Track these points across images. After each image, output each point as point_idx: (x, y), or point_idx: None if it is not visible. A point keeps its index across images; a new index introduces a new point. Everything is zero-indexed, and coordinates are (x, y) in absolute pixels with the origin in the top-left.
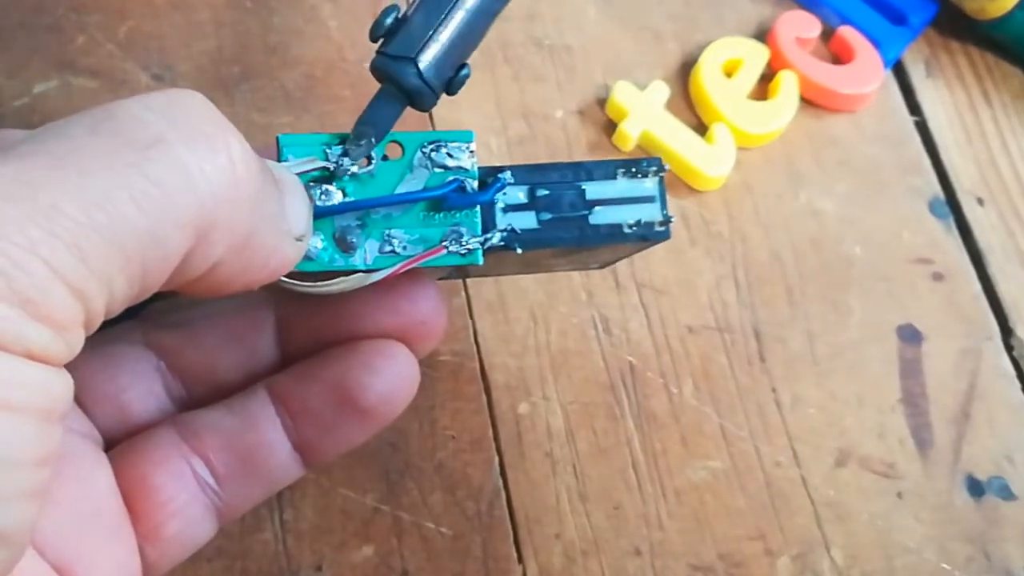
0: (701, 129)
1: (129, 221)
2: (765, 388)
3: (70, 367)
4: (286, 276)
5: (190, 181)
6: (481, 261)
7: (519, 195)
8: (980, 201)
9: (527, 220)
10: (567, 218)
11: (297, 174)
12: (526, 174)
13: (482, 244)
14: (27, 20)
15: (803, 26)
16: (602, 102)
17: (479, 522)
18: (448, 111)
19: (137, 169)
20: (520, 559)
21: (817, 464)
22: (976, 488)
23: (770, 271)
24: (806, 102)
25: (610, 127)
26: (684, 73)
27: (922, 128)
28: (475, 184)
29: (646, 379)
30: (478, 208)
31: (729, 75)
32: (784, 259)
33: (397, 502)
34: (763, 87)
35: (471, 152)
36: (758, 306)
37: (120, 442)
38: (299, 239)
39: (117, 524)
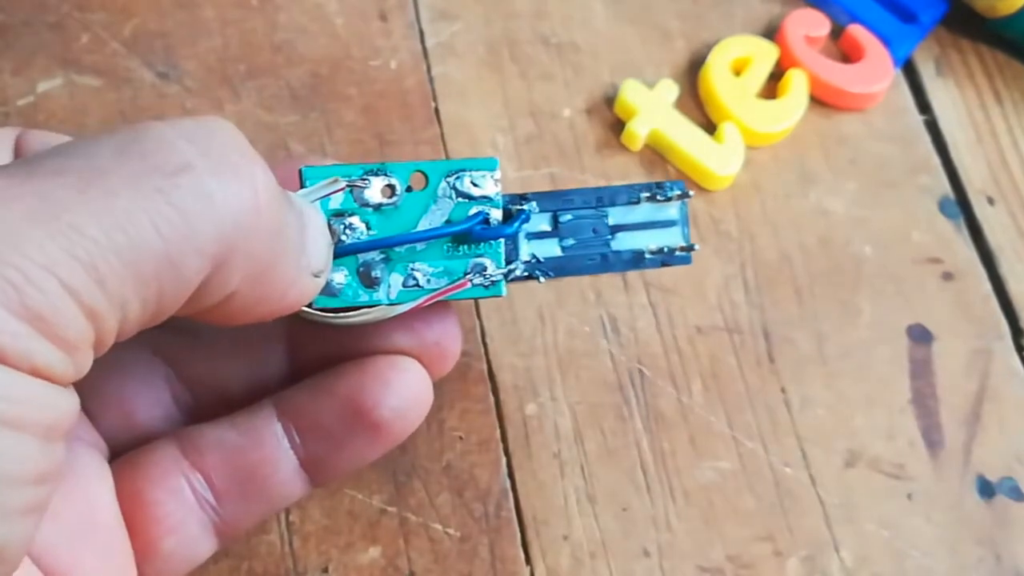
0: (710, 128)
1: (149, 245)
2: (774, 388)
3: None
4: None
5: (214, 209)
6: (504, 292)
7: (542, 223)
8: (991, 200)
9: (550, 248)
10: (590, 245)
11: (319, 198)
12: (550, 201)
13: (506, 276)
14: (31, 18)
15: (812, 24)
16: (610, 101)
17: (486, 523)
18: (455, 110)
19: (162, 195)
20: (528, 560)
21: (826, 465)
22: (986, 489)
23: (779, 271)
24: (815, 101)
25: (618, 126)
26: (693, 72)
27: (932, 127)
28: (499, 215)
29: (654, 379)
30: (502, 240)
31: (738, 74)
32: (793, 259)
33: (404, 503)
34: (772, 86)
35: (496, 180)
36: (767, 306)
37: (126, 450)
38: (317, 275)
39: (114, 538)
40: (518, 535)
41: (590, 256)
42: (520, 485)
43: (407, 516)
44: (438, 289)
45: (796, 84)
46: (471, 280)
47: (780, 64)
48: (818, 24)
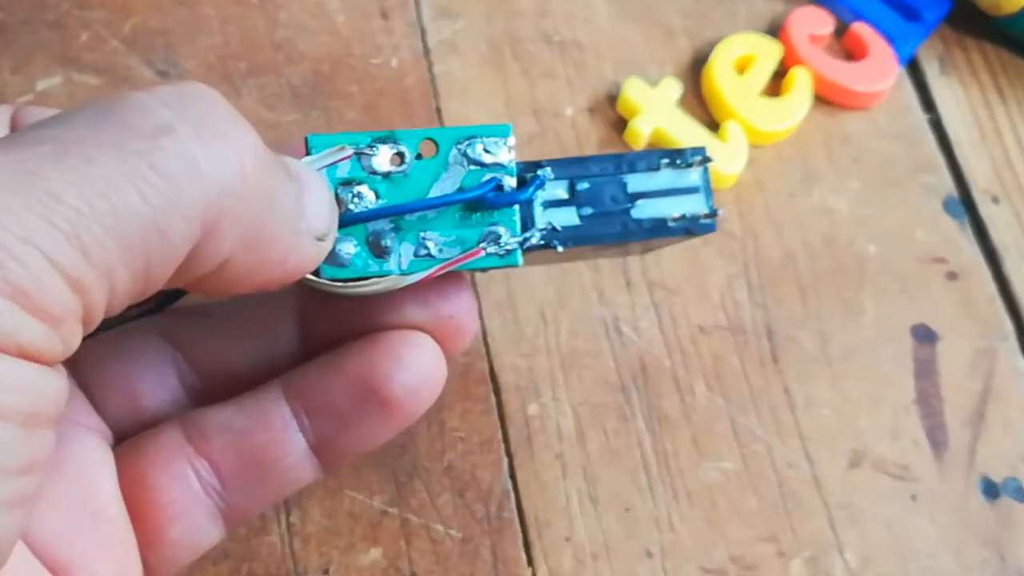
0: (713, 126)
1: (133, 211)
2: (778, 388)
3: (83, 358)
4: (313, 275)
5: (198, 173)
6: (520, 262)
7: (559, 190)
8: (995, 199)
9: (568, 216)
10: (609, 213)
11: (325, 166)
12: (566, 168)
13: (521, 244)
14: (31, 16)
15: (816, 22)
16: (612, 99)
17: (488, 524)
18: (457, 108)
19: (143, 158)
20: (530, 562)
21: (830, 465)
22: (991, 490)
23: (783, 270)
24: (819, 99)
25: (621, 124)
26: (696, 70)
27: (936, 126)
28: (513, 182)
29: (657, 379)
30: (517, 207)
31: (741, 72)
32: (797, 258)
33: (405, 504)
34: (776, 84)
35: (509, 147)
36: (770, 305)
37: (131, 435)
38: (320, 239)
39: (117, 527)
40: (520, 536)
41: (610, 224)
42: (522, 486)
43: (408, 517)
44: (451, 258)
45: (800, 82)
46: (485, 249)
47: (784, 62)
48: (822, 22)
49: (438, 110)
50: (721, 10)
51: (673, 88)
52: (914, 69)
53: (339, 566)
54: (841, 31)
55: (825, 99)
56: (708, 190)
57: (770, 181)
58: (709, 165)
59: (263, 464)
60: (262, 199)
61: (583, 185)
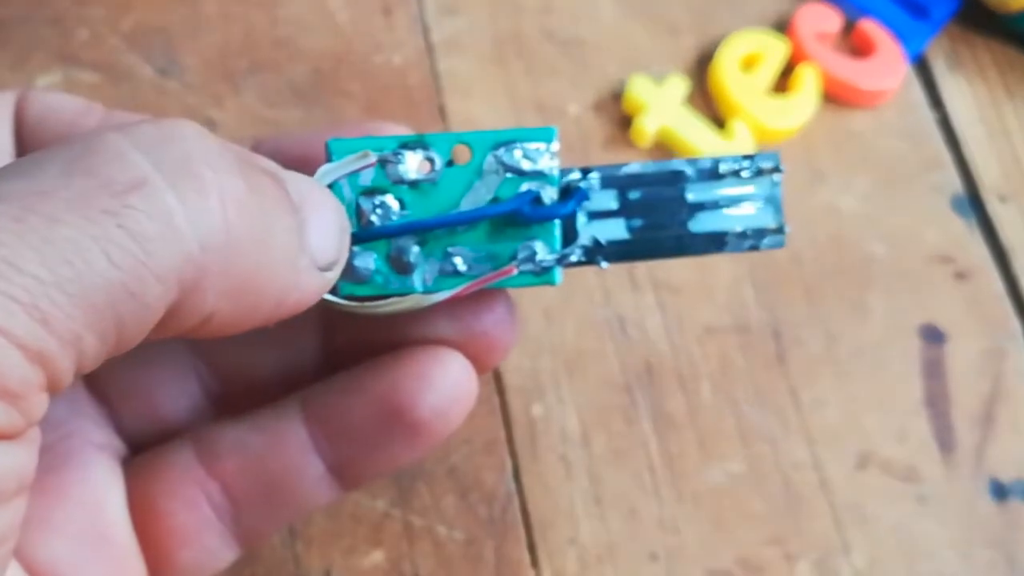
0: (720, 124)
1: (100, 275)
2: (784, 389)
3: (102, 365)
4: (330, 292)
5: (174, 230)
6: (558, 281)
7: (608, 200)
8: (1003, 198)
9: (616, 229)
10: (663, 225)
11: (347, 174)
12: (616, 176)
13: (559, 261)
14: (29, 13)
15: (823, 19)
16: (617, 96)
17: (492, 527)
18: (460, 106)
19: (113, 217)
20: (534, 564)
21: (837, 467)
22: (999, 491)
23: (789, 270)
24: (826, 97)
25: (626, 122)
26: (702, 67)
27: (944, 124)
28: (554, 193)
29: (663, 380)
30: (557, 221)
31: (748, 69)
32: (803, 258)
33: (408, 506)
34: (782, 81)
35: (552, 153)
36: (777, 306)
37: (149, 443)
38: (326, 269)
39: (125, 552)
40: (524, 538)
41: (663, 238)
42: (526, 487)
43: (411, 519)
44: (480, 276)
45: (807, 80)
46: (518, 267)
47: (791, 60)
48: (829, 19)
49: (441, 108)
50: (727, 7)
51: (679, 85)
52: (922, 67)
53: (341, 568)
54: (848, 28)
55: (832, 97)
56: (778, 202)
57: None
58: (782, 174)
59: (278, 488)
60: (250, 246)
61: (635, 194)
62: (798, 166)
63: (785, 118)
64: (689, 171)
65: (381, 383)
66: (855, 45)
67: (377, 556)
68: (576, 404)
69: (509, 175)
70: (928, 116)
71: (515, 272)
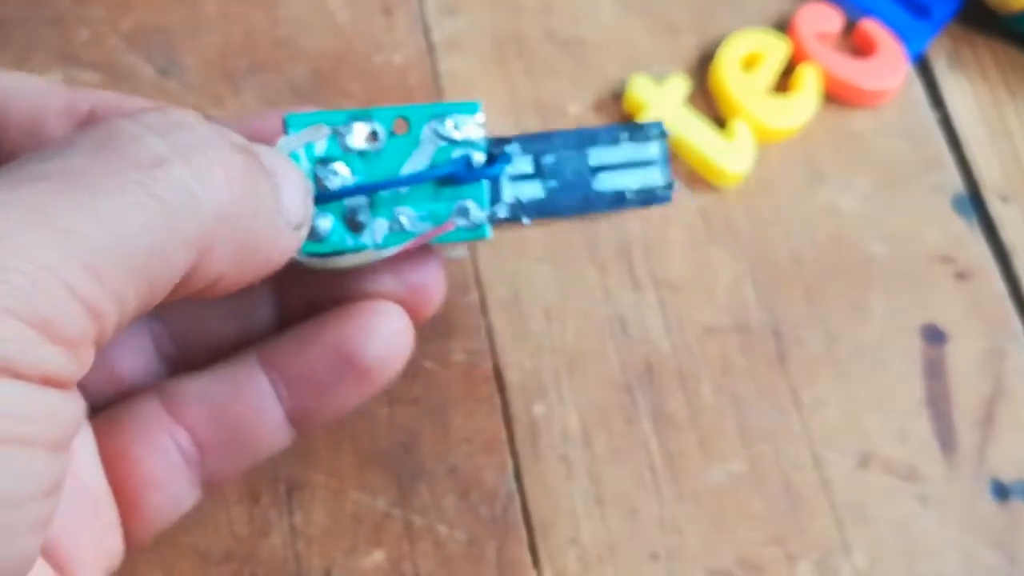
0: (720, 123)
1: (139, 238)
2: (785, 389)
3: None
4: None
5: (192, 200)
6: (489, 235)
7: (525, 165)
8: (1004, 198)
9: (533, 190)
10: (572, 186)
11: (303, 144)
12: (532, 143)
13: (489, 218)
14: (29, 13)
15: (824, 19)
16: (617, 96)
17: (493, 526)
18: None
19: (143, 188)
20: (535, 564)
21: (838, 467)
22: (1001, 492)
23: (790, 270)
24: (827, 97)
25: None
26: (702, 67)
27: (945, 124)
28: (482, 158)
29: (663, 380)
30: (486, 182)
31: (748, 69)
32: (804, 257)
33: (409, 506)
34: (783, 81)
35: (478, 124)
36: (777, 305)
37: (107, 403)
38: (297, 227)
39: (99, 500)
40: (525, 538)
41: (572, 197)
42: (527, 487)
43: (412, 519)
44: (423, 232)
45: (808, 80)
46: (455, 223)
47: (791, 59)
48: (830, 19)
49: None
50: (728, 6)
51: (679, 85)
52: (923, 67)
53: (342, 568)
54: (849, 28)
55: (833, 97)
56: (666, 162)
57: (777, 179)
58: (667, 138)
59: (241, 433)
60: (248, 212)
61: (548, 159)
62: (798, 166)
63: (786, 118)
64: (591, 138)
65: (332, 334)
66: (856, 45)
67: (378, 556)
68: (577, 404)
69: (443, 143)
70: (929, 116)
71: (453, 228)
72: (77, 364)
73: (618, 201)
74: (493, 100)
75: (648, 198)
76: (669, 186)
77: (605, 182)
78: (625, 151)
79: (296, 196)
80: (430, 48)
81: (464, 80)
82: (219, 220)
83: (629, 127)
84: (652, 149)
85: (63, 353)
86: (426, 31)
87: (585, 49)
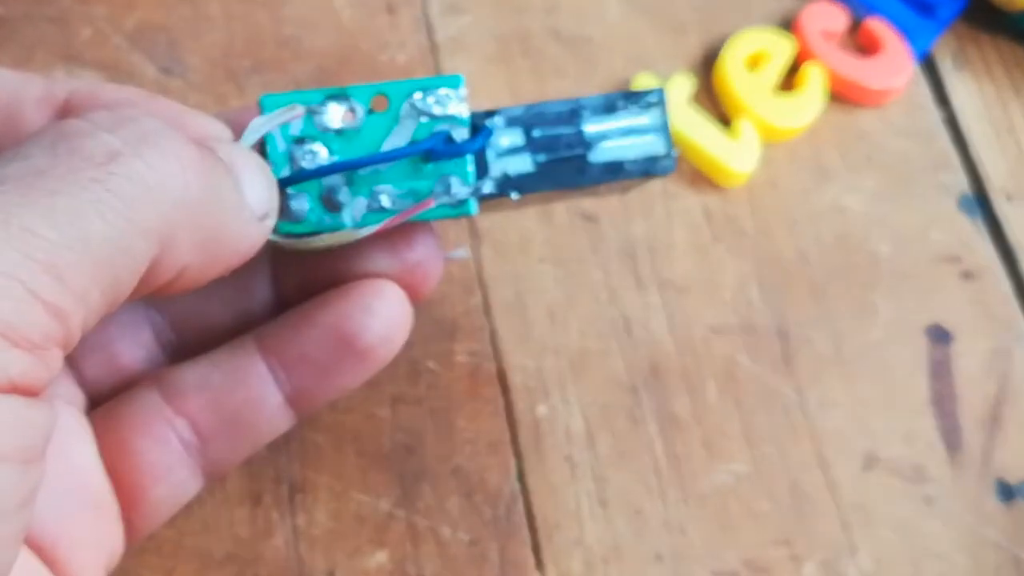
0: (725, 123)
1: (98, 234)
2: (790, 390)
3: None
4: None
5: (148, 191)
6: (475, 211)
7: (514, 138)
8: (1010, 198)
9: (523, 163)
10: (564, 158)
11: (278, 124)
12: (520, 115)
13: (474, 193)
14: (32, 11)
15: (829, 18)
16: None
17: (496, 527)
18: None
19: (100, 184)
20: (539, 565)
21: (844, 468)
22: (1006, 492)
23: (795, 270)
24: (832, 96)
25: None
26: (707, 66)
27: (951, 123)
28: (465, 133)
29: (668, 381)
30: (470, 156)
31: (754, 68)
32: (809, 257)
33: (412, 507)
34: (789, 80)
35: (461, 98)
36: (783, 305)
37: (108, 394)
38: (262, 218)
39: (99, 496)
40: (529, 539)
41: (565, 169)
42: (531, 488)
43: (415, 520)
44: (403, 210)
45: (813, 79)
46: (436, 199)
47: (797, 58)
48: (835, 17)
49: None
50: (733, 5)
51: (684, 84)
52: (929, 66)
53: (345, 569)
54: (855, 27)
55: (838, 96)
56: (666, 131)
57: (782, 179)
58: (666, 104)
59: (241, 420)
60: (208, 201)
61: (538, 132)
62: (804, 165)
63: (791, 117)
64: (585, 107)
65: (330, 315)
66: (861, 43)
67: (381, 557)
68: (581, 404)
69: (424, 119)
70: (935, 115)
71: (433, 204)
72: (44, 368)
73: (615, 172)
74: (497, 99)
75: (648, 168)
76: (670, 155)
77: (601, 153)
78: (622, 119)
79: (258, 186)
80: (434, 47)
81: (468, 79)
82: (177, 209)
83: (626, 94)
84: (651, 117)
85: (28, 357)
86: (430, 30)
87: (590, 48)
